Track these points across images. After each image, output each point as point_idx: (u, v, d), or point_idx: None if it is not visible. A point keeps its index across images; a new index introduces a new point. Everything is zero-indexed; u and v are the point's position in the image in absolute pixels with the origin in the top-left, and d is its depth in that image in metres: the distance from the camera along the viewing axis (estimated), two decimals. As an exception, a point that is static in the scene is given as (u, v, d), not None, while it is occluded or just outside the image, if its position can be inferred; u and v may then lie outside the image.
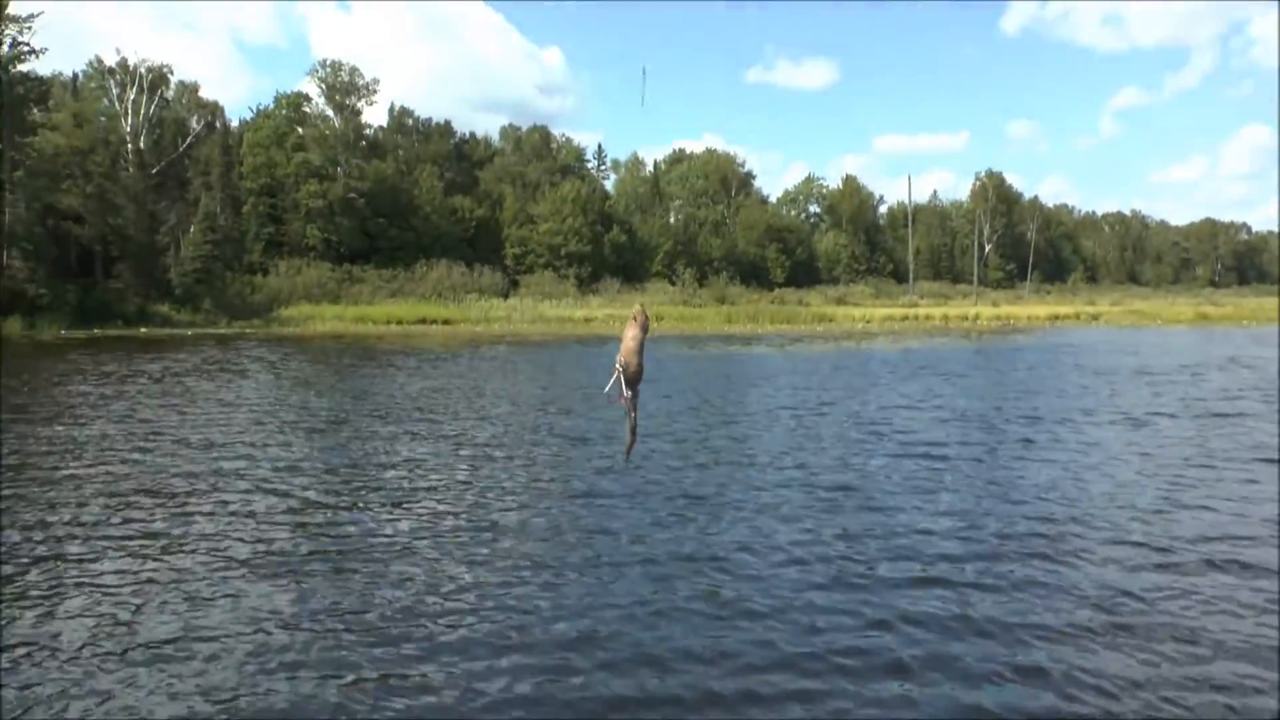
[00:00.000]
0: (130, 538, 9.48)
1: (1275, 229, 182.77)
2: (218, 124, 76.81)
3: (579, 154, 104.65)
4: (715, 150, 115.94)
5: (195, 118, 75.87)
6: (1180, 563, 8.85)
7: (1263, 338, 50.82)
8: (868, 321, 65.86)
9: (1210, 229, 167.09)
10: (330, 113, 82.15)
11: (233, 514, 10.52)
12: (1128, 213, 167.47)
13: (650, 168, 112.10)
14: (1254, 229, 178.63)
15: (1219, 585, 8.27)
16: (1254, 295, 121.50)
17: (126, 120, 66.36)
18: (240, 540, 9.51)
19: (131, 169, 62.05)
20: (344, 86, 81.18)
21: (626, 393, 6.48)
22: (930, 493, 11.86)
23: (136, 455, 13.99)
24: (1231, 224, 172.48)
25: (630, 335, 6.47)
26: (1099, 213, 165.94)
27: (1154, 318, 72.43)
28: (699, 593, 8.16)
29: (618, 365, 6.43)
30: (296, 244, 74.42)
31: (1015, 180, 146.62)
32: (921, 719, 5.84)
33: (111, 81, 68.06)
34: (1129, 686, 6.30)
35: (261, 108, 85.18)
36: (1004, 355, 38.38)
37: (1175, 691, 6.26)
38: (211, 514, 10.57)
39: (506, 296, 71.28)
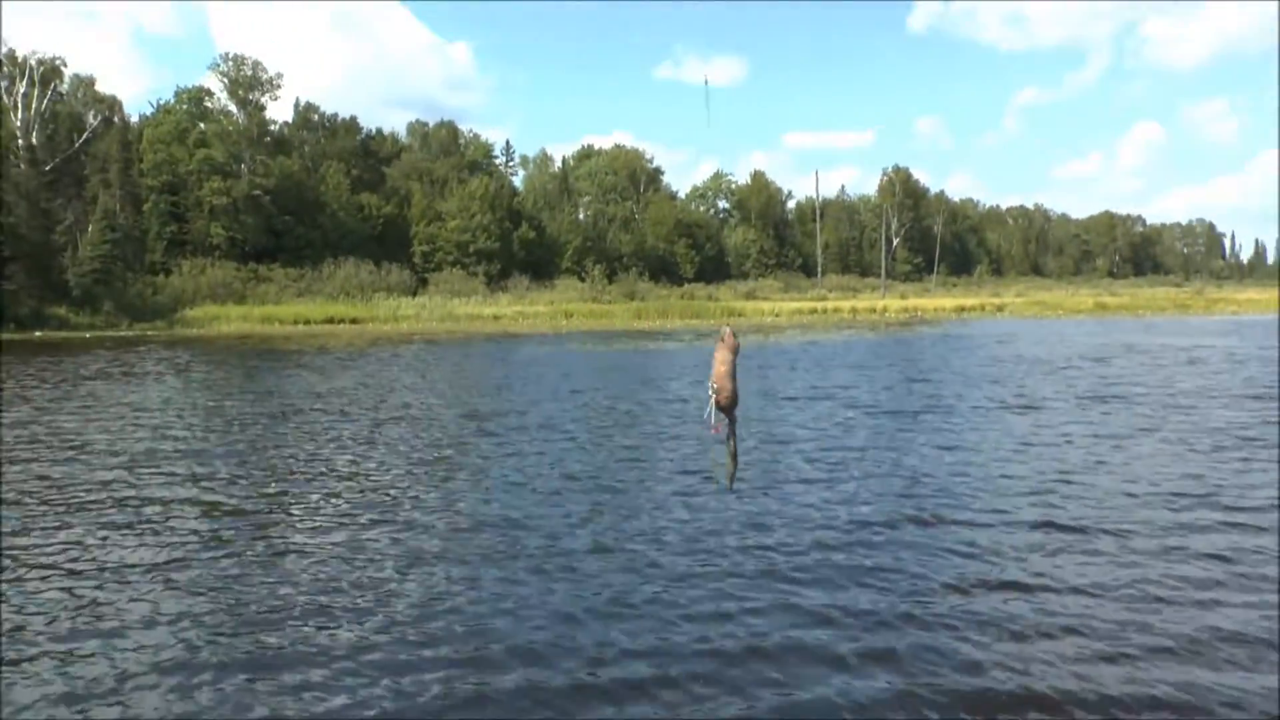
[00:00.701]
0: (36, 546, 9.56)
1: (1168, 221, 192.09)
2: (116, 119, 74.91)
3: (487, 150, 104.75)
4: (624, 146, 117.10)
5: (92, 112, 73.89)
6: (1068, 544, 9.44)
7: (1154, 326, 54.21)
8: (777, 315, 67.52)
9: (1108, 222, 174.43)
10: (233, 108, 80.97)
11: (141, 519, 10.71)
12: (1031, 206, 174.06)
13: (559, 164, 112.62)
14: (1149, 221, 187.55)
15: (1100, 553, 9.07)
16: (1149, 285, 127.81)
17: (16, 115, 64.44)
18: (147, 543, 9.69)
19: (23, 165, 60.43)
20: (247, 81, 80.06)
21: (722, 420, 6.15)
22: (828, 480, 12.42)
23: (38, 461, 14.04)
24: (1128, 217, 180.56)
25: (720, 358, 6.20)
26: (1003, 207, 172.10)
27: (1056, 308, 76.02)
28: (611, 585, 8.33)
29: (711, 391, 6.12)
30: (200, 243, 73.21)
31: (922, 176, 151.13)
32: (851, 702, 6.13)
33: None
34: (1007, 658, 6.79)
35: (162, 103, 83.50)
36: (909, 346, 40.13)
37: (1042, 651, 6.83)
38: (118, 519, 10.71)
39: (415, 295, 71.31)
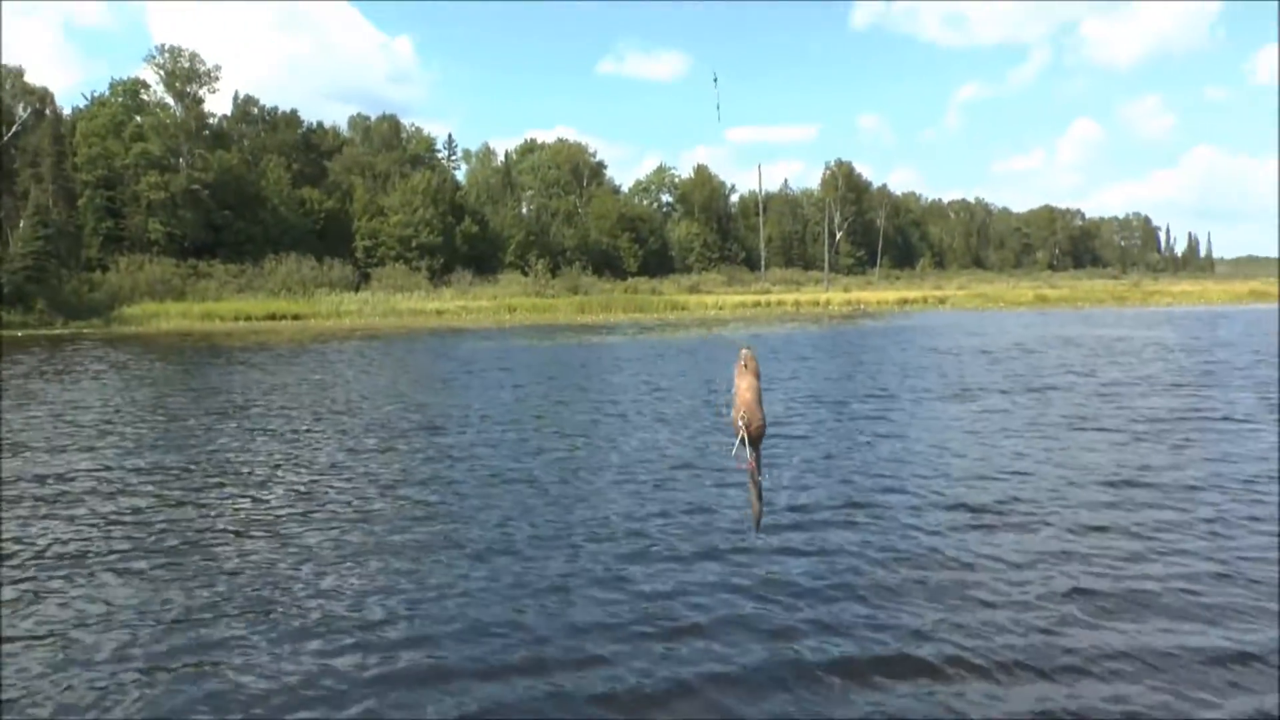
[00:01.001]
0: None
1: (1106, 215, 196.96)
2: (48, 111, 73.41)
3: (429, 144, 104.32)
4: (567, 140, 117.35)
5: (21, 105, 72.32)
6: (996, 523, 10.12)
7: (1091, 318, 56.00)
8: (720, 309, 68.07)
9: (1048, 215, 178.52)
10: (170, 101, 79.80)
11: (79, 516, 10.79)
12: (972, 200, 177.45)
13: (501, 158, 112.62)
14: (1087, 215, 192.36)
15: (1025, 541, 9.50)
16: (1087, 278, 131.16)
17: (-56, 108, 63.11)
18: (86, 539, 9.80)
19: (-49, 161, 59.22)
20: (184, 74, 78.94)
21: (751, 454, 5.46)
22: (768, 468, 12.60)
23: None
24: (1067, 211, 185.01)
25: (746, 385, 5.56)
26: (945, 201, 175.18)
27: (997, 300, 77.30)
28: (550, 570, 8.63)
29: (739, 423, 5.38)
30: (138, 239, 72.20)
31: (865, 170, 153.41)
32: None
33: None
34: (926, 629, 7.28)
35: (96, 95, 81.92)
36: (852, 338, 40.95)
37: (962, 630, 7.23)
38: (59, 515, 10.81)
39: (358, 290, 71.01)
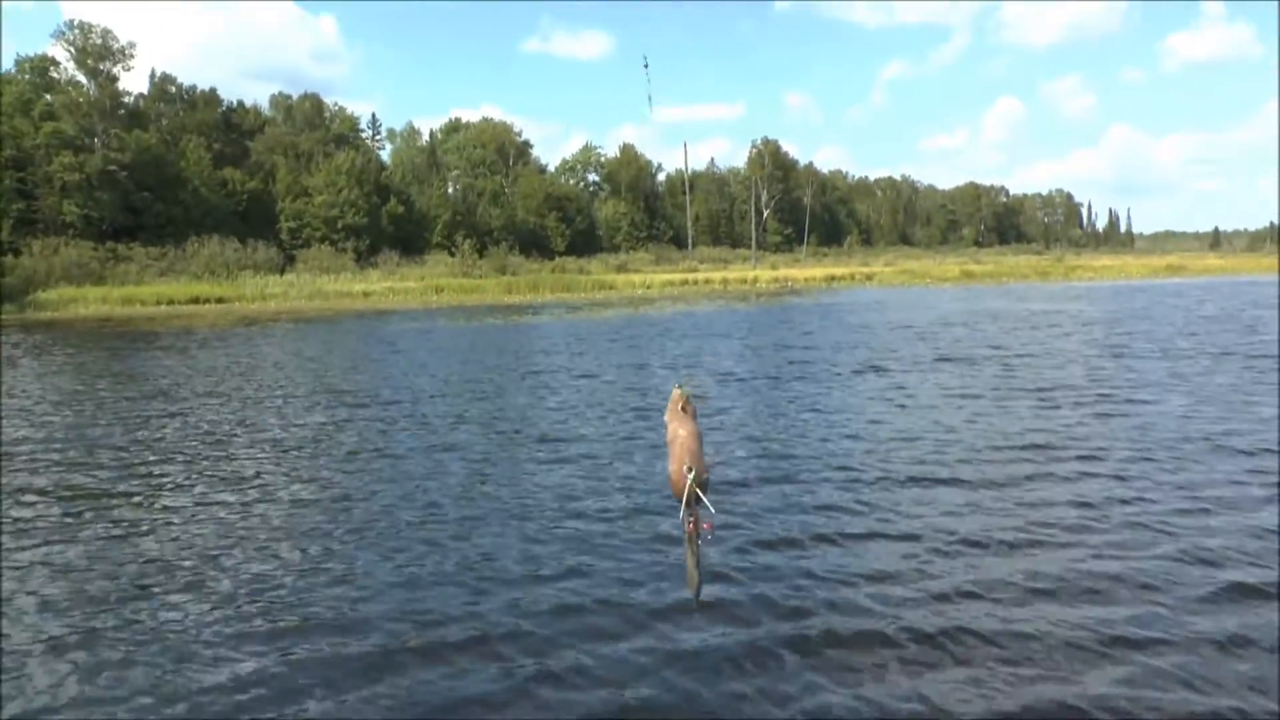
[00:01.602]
0: None
1: (1029, 192, 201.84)
2: (-51, 89, 71.23)
3: (353, 124, 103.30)
4: (492, 120, 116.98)
5: (-77, 83, 70.12)
6: (925, 487, 10.54)
7: (1013, 292, 57.95)
8: (648, 287, 68.50)
9: (974, 192, 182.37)
10: (82, 78, 77.77)
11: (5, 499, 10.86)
12: (899, 178, 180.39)
13: (427, 137, 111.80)
14: (1011, 192, 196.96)
15: (929, 498, 10.07)
16: (1012, 253, 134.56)
17: None
18: (6, 526, 9.78)
19: None
20: (96, 50, 76.97)
21: (692, 513, 4.53)
22: (718, 438, 13.41)
23: None
24: (992, 187, 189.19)
25: (687, 432, 4.61)
26: (872, 178, 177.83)
27: (924, 276, 78.25)
28: (464, 550, 8.70)
29: (687, 476, 4.42)
30: (52, 221, 70.44)
31: (791, 149, 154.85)
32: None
33: None
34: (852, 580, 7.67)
35: (2, 73, 79.44)
36: (779, 315, 41.42)
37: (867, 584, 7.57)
38: None
39: (283, 272, 70.32)
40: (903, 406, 16.21)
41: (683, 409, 4.84)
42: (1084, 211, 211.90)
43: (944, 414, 15.21)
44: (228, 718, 5.74)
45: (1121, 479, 10.73)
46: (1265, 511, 9.33)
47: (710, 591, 7.31)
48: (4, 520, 10.02)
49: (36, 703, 5.98)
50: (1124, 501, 9.84)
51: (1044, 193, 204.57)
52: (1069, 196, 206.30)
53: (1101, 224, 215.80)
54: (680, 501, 4.50)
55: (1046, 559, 8.15)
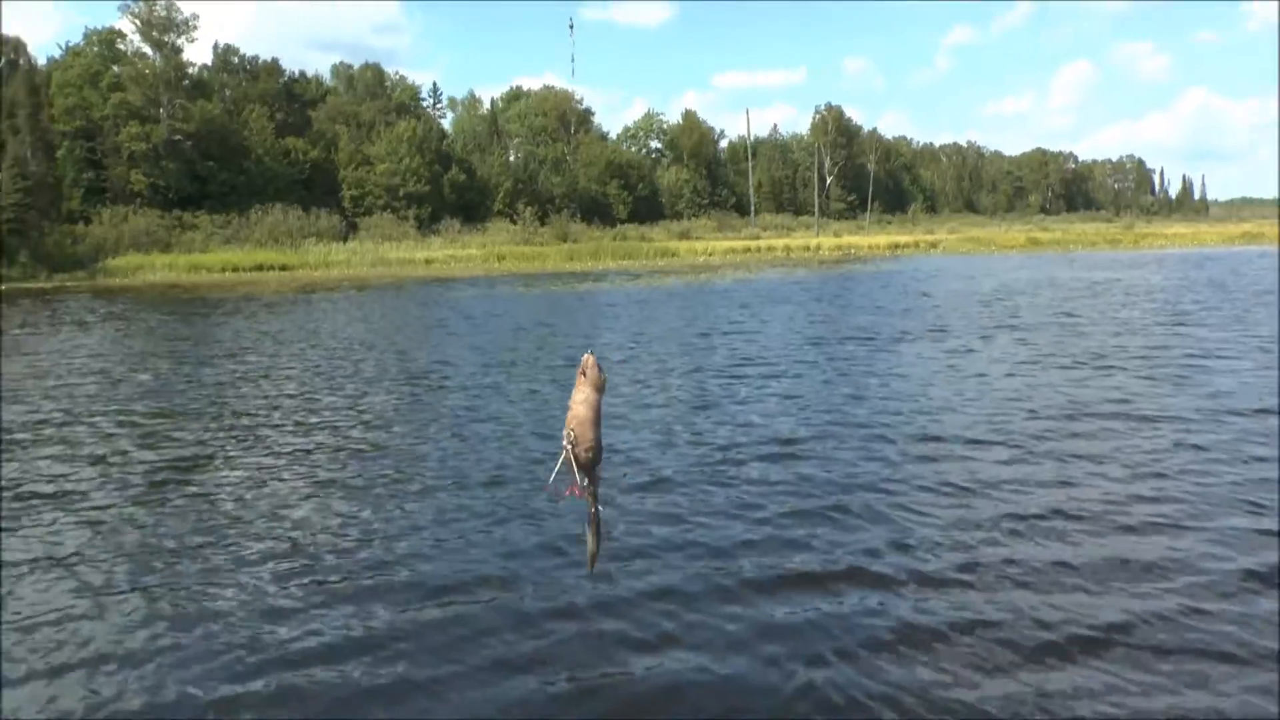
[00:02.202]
0: None
1: (1100, 158, 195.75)
2: (21, 62, 71.93)
3: (414, 93, 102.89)
4: (554, 87, 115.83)
5: (-5, 56, 70.85)
6: (969, 450, 10.46)
7: (1079, 260, 55.95)
8: (710, 255, 67.69)
9: (1041, 158, 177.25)
10: (148, 50, 78.35)
11: (75, 461, 10.82)
12: (964, 144, 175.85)
13: (488, 106, 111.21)
14: (1080, 158, 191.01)
15: (996, 463, 9.89)
16: (1080, 221, 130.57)
17: (-83, 60, 61.74)
18: (82, 483, 9.81)
19: (-75, 113, 58.05)
20: (161, 23, 77.46)
21: (580, 481, 4.35)
22: (752, 402, 13.55)
23: None
24: (1060, 154, 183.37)
25: (579, 399, 4.39)
26: (937, 144, 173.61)
27: (989, 244, 76.92)
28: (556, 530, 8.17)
29: (566, 442, 4.31)
30: (120, 190, 71.22)
31: (855, 114, 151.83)
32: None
33: (-102, 18, 63.12)
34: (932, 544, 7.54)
35: (70, 45, 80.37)
36: (840, 283, 40.81)
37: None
38: (58, 455, 10.98)
39: (345, 240, 70.32)
40: (956, 370, 16.03)
41: (583, 374, 4.41)
42: (1156, 178, 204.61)
43: (994, 380, 14.93)
44: (305, 672, 5.65)
45: (1177, 445, 10.38)
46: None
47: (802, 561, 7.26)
48: (88, 476, 10.13)
49: (122, 647, 6.01)
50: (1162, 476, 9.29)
51: (1114, 158, 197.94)
52: (1140, 162, 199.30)
53: (1174, 190, 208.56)
54: (566, 466, 4.32)
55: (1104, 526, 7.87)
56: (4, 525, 8.42)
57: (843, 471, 9.60)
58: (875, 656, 5.66)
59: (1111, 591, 6.50)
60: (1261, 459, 9.59)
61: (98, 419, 13.24)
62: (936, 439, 10.92)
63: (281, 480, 9.87)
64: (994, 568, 6.94)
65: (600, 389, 4.41)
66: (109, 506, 8.96)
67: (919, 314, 25.63)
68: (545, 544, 7.71)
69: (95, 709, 5.28)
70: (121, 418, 13.33)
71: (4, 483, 9.84)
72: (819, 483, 9.22)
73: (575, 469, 4.30)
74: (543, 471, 9.56)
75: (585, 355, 4.41)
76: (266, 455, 10.97)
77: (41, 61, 76.89)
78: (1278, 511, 7.94)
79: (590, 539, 4.51)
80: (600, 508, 4.43)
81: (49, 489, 9.54)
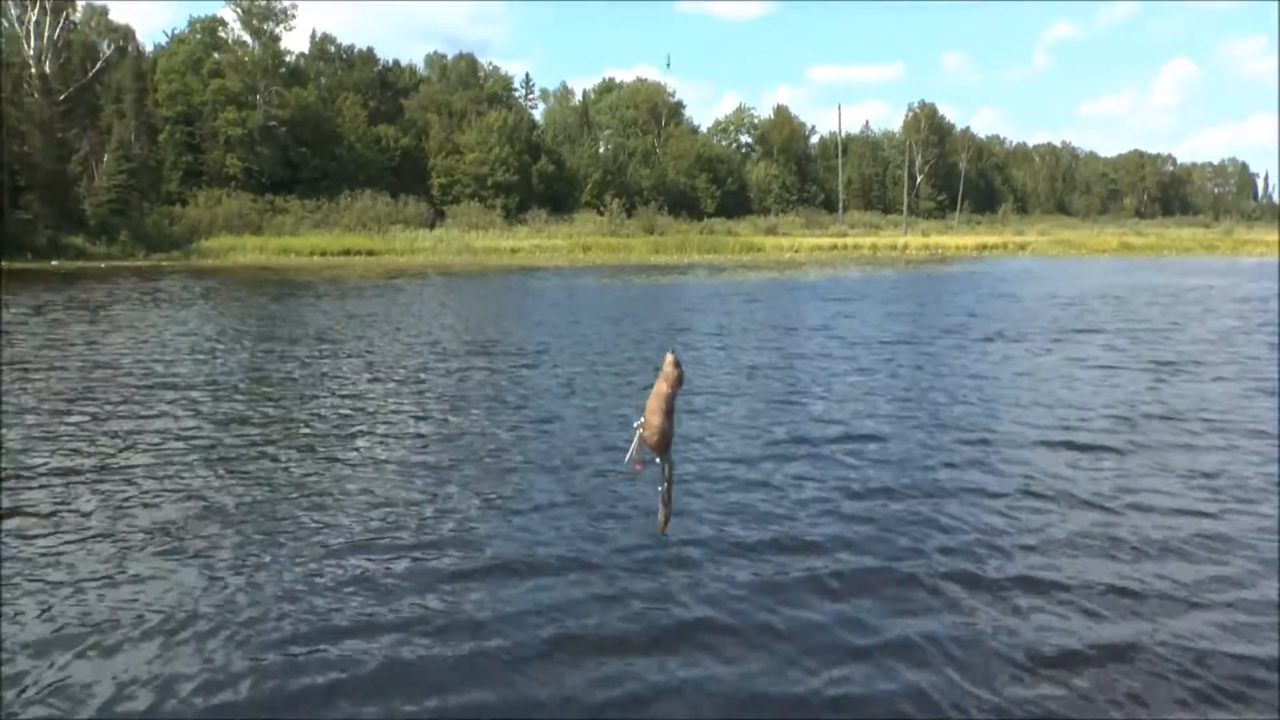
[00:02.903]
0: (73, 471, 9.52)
1: (1200, 161, 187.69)
2: (129, 49, 73.94)
3: (506, 83, 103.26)
4: (645, 80, 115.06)
5: (105, 42, 72.93)
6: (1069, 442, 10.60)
7: (1169, 266, 53.20)
8: (796, 251, 66.32)
9: (1137, 160, 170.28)
10: (248, 38, 79.86)
11: (171, 435, 11.00)
12: (1058, 144, 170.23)
13: (579, 97, 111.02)
14: (1179, 161, 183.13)
15: (1048, 459, 9.98)
16: (1176, 226, 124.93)
17: (29, 43, 63.60)
18: (180, 440, 10.39)
19: (36, 95, 59.71)
20: (261, 12, 78.98)
21: (643, 459, 5.20)
22: (853, 399, 13.52)
23: (77, 385, 14.22)
24: (1158, 156, 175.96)
25: (654, 391, 5.24)
26: (1030, 144, 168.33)
27: (1080, 247, 73.99)
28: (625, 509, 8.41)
29: (636, 425, 5.23)
30: (216, 174, 72.77)
31: (948, 112, 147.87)
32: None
33: (11, 3, 65.09)
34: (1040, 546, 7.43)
35: (175, 33, 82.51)
36: (924, 284, 39.89)
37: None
38: (156, 422, 11.57)
39: (433, 227, 70.58)
40: (1026, 374, 15.92)
41: (664, 373, 5.31)
42: (1259, 182, 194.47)
43: (1061, 384, 14.88)
44: (376, 643, 5.74)
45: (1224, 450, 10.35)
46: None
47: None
48: (187, 441, 10.71)
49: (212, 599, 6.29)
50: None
51: (1215, 161, 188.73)
52: (1243, 166, 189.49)
53: (1279, 196, 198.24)
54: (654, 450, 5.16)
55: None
56: (91, 481, 8.94)
57: (919, 472, 9.55)
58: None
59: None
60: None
61: (196, 391, 13.82)
62: (1005, 438, 10.98)
63: (364, 457, 10.09)
64: (1064, 582, 6.71)
65: (672, 383, 5.14)
66: (197, 466, 9.54)
67: (989, 317, 25.42)
68: (622, 522, 7.95)
69: (162, 673, 5.35)
70: (212, 390, 13.91)
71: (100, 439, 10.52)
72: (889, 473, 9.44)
73: (644, 450, 5.17)
74: (615, 455, 9.56)
75: (666, 354, 5.18)
76: (349, 433, 11.22)
77: (149, 49, 79.31)
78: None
79: (661, 508, 5.40)
80: (667, 484, 5.24)
81: (143, 444, 10.26)
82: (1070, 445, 10.52)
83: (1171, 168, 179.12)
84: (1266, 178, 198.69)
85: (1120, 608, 6.21)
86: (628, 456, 5.15)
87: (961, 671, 5.39)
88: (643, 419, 5.15)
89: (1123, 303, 29.00)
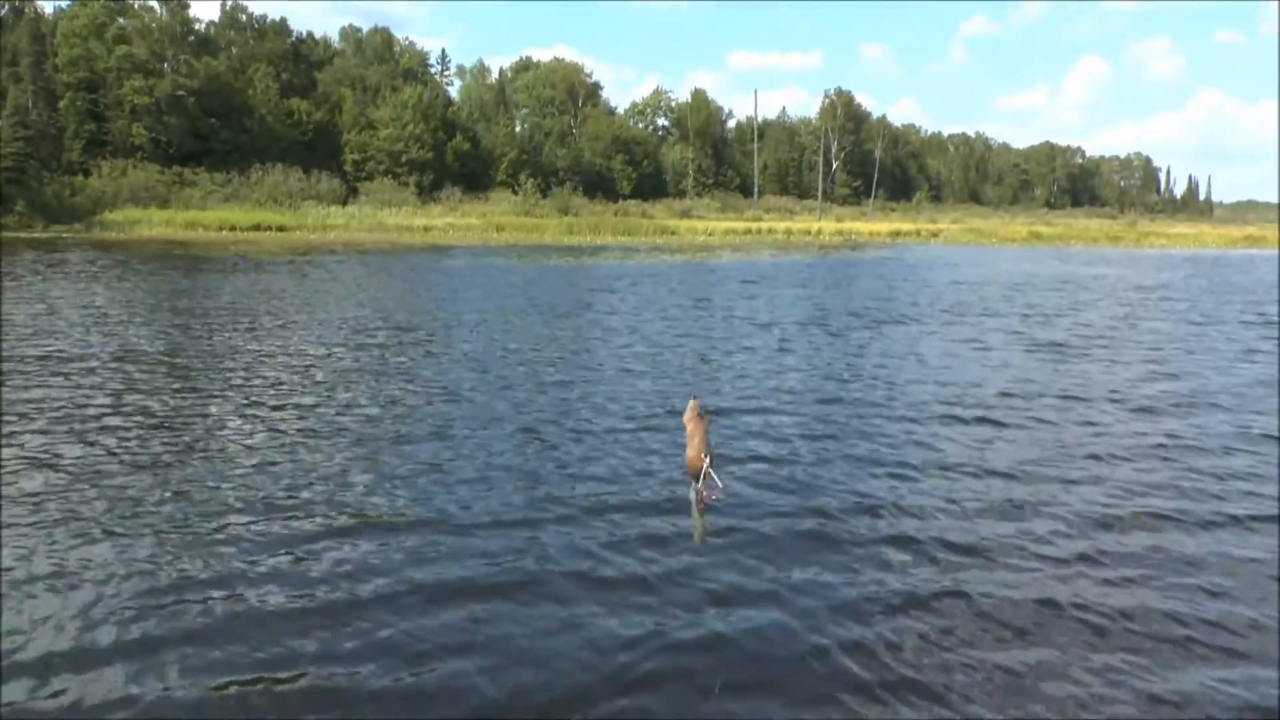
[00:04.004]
0: None
1: (1107, 155, 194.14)
2: (26, 9, 71.35)
3: (422, 59, 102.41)
4: (563, 60, 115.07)
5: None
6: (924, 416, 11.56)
7: (1073, 256, 56.04)
8: (710, 234, 67.27)
9: (1049, 152, 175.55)
10: (155, 4, 77.86)
11: (77, 415, 10.91)
12: (973, 135, 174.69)
13: (496, 76, 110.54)
14: (1088, 154, 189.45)
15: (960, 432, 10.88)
16: (1085, 216, 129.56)
17: (-79, 3, 61.24)
18: (87, 438, 9.90)
19: (-72, 57, 57.64)
20: (169, -24, 76.80)
21: (708, 489, 7.28)
22: (750, 375, 14.27)
23: None
24: (1068, 148, 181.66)
25: (701, 432, 7.54)
26: (946, 134, 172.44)
27: (991, 236, 76.85)
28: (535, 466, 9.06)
29: (704, 460, 7.31)
30: (121, 144, 70.93)
31: (867, 101, 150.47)
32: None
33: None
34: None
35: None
36: (834, 268, 41.06)
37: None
38: (57, 399, 11.44)
39: (345, 203, 69.92)
40: (915, 354, 16.86)
41: (700, 416, 7.54)
42: (1162, 176, 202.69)
43: (951, 362, 15.95)
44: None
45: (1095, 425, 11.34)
46: None
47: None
48: (83, 418, 10.59)
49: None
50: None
51: (1121, 155, 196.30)
52: (1147, 160, 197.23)
53: (1180, 190, 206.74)
54: (692, 478, 6.97)
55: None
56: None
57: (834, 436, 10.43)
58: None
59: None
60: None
61: (93, 363, 13.82)
62: (907, 416, 11.62)
63: (263, 427, 10.35)
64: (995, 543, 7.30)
65: (695, 423, 7.52)
66: (103, 442, 9.46)
67: (885, 300, 26.55)
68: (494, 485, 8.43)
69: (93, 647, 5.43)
70: (114, 364, 13.84)
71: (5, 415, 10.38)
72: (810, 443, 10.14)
73: (701, 475, 7.26)
74: (503, 423, 10.24)
75: (691, 401, 7.54)
76: (247, 405, 11.41)
77: (49, 10, 76.59)
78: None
79: (696, 522, 6.63)
80: (706, 503, 6.82)
81: (41, 443, 9.67)
82: (957, 419, 11.35)
83: (1081, 160, 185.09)
84: (1169, 172, 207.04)
85: (963, 562, 6.87)
86: (716, 496, 6.97)
87: (826, 613, 5.97)
88: (705, 454, 7.24)
89: (1024, 289, 30.76)
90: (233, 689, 5.02)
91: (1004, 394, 12.91)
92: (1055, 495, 8.41)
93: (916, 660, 5.42)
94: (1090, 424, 11.28)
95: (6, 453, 9.05)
